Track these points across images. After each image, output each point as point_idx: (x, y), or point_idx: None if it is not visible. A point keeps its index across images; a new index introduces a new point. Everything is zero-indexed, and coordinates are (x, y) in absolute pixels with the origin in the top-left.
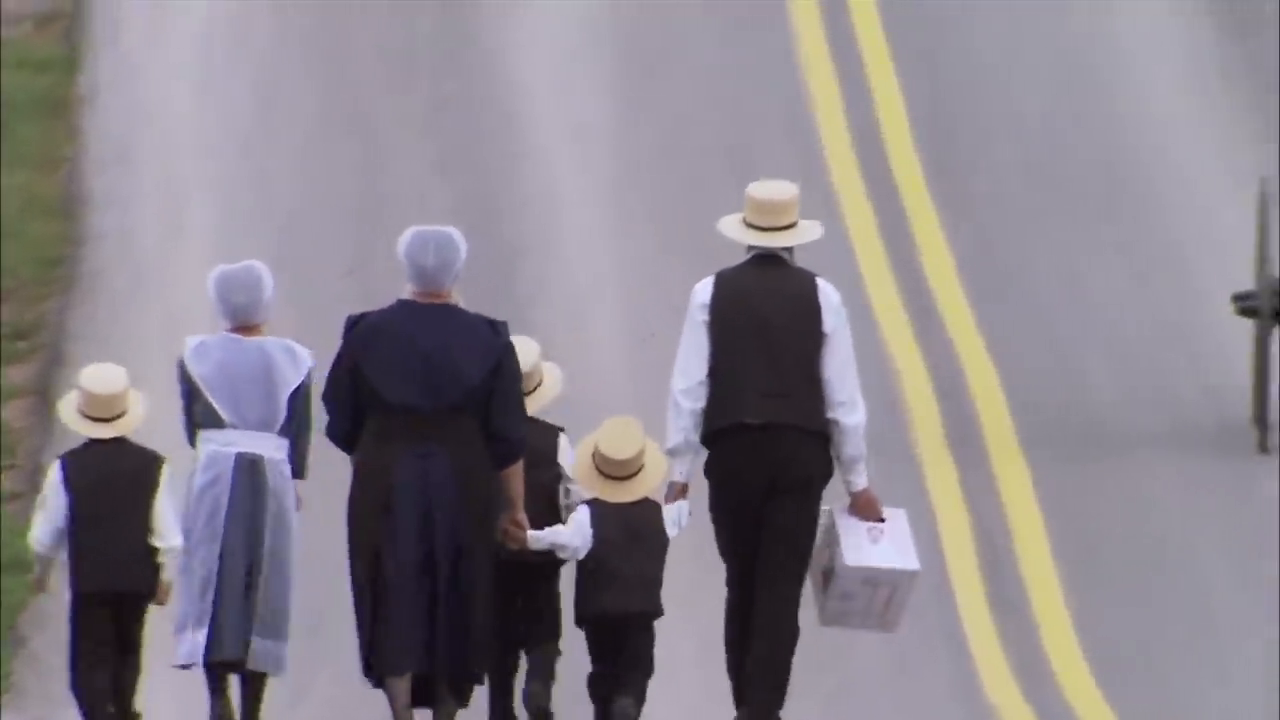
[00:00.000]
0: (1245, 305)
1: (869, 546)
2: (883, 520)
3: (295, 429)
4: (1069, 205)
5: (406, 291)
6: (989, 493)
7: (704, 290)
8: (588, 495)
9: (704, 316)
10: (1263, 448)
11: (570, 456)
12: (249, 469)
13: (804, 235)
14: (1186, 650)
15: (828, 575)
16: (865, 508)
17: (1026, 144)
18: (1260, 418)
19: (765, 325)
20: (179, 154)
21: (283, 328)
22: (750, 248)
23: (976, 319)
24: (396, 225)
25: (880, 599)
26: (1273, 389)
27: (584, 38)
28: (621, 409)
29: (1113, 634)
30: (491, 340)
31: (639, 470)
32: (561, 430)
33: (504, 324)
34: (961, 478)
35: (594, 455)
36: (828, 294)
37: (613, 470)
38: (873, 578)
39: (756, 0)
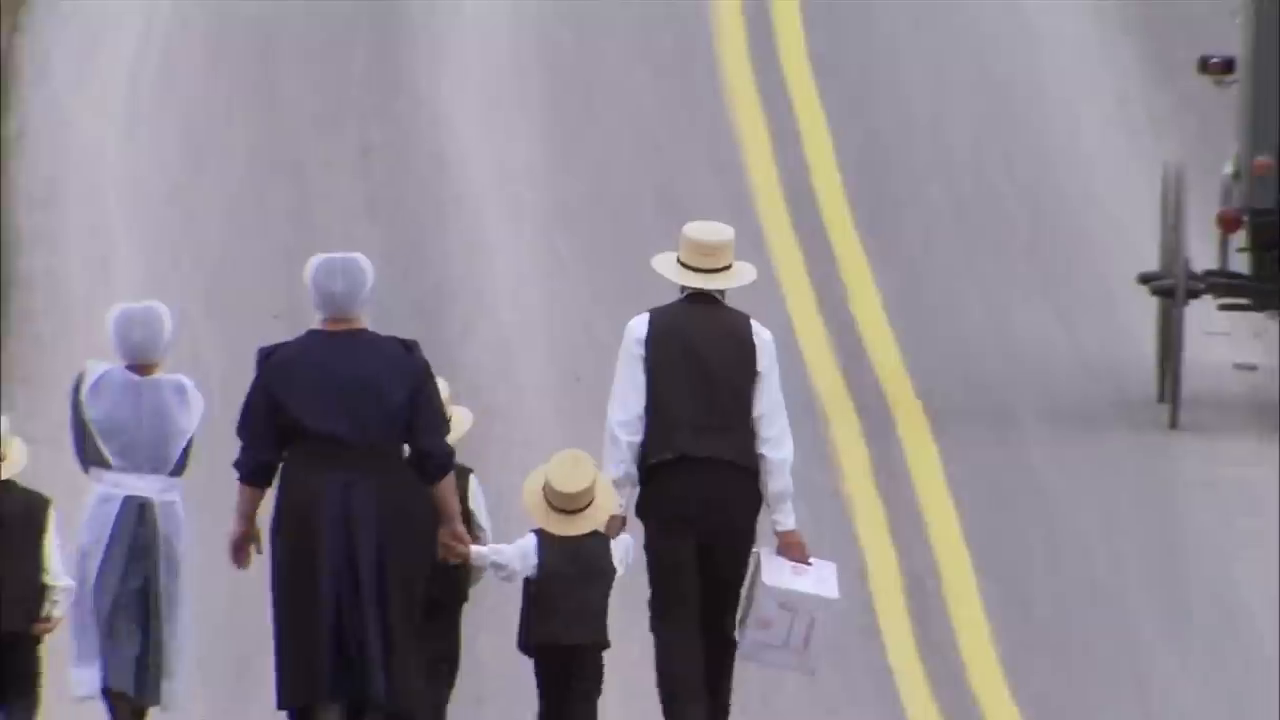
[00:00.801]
0: (1159, 286)
1: (791, 575)
2: (809, 563)
3: (181, 469)
4: (997, 245)
5: (316, 321)
6: (918, 533)
7: (640, 326)
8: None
9: (640, 351)
10: (1174, 424)
11: (481, 499)
12: (138, 511)
13: (739, 278)
14: (1113, 688)
15: (749, 603)
16: (792, 548)
17: (955, 184)
18: (1173, 395)
19: (702, 363)
20: (107, 196)
21: (213, 371)
22: (684, 287)
23: (905, 360)
24: None
25: (799, 630)
26: (1180, 367)
27: (513, 82)
28: (549, 451)
29: (1044, 684)
30: (407, 361)
31: (589, 504)
32: (471, 471)
33: (415, 343)
34: (890, 518)
35: (544, 488)
36: (761, 334)
37: (562, 503)
38: (791, 602)
39: (685, 42)
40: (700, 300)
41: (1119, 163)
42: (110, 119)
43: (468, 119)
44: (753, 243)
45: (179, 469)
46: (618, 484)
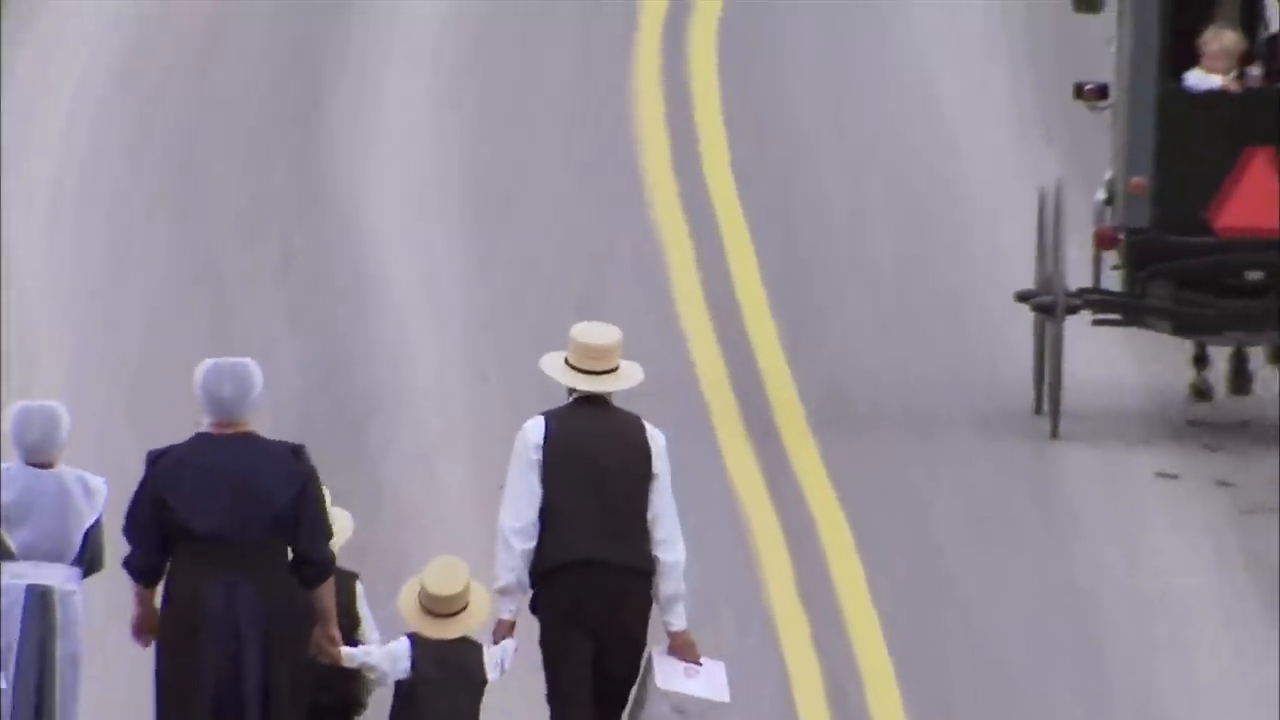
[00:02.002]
0: (1039, 303)
1: (682, 678)
2: (700, 664)
3: (88, 561)
4: (920, 351)
5: (204, 424)
6: (841, 643)
7: (535, 431)
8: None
9: (536, 456)
10: (1055, 434)
11: (366, 604)
12: (40, 601)
13: (627, 380)
14: None
15: (639, 704)
16: (684, 649)
17: (877, 291)
18: (1053, 407)
19: (596, 466)
20: (27, 303)
21: (133, 478)
22: (572, 390)
23: (828, 469)
24: None
25: None
26: (1060, 380)
27: (434, 189)
28: (473, 561)
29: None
30: (294, 466)
31: (462, 608)
32: (356, 576)
33: (303, 448)
34: (814, 631)
35: (420, 592)
36: (654, 437)
37: (437, 607)
38: (683, 705)
39: (607, 147)
40: (592, 402)
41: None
42: (31, 224)
43: (389, 226)
44: (675, 348)
45: (80, 559)
46: (509, 590)
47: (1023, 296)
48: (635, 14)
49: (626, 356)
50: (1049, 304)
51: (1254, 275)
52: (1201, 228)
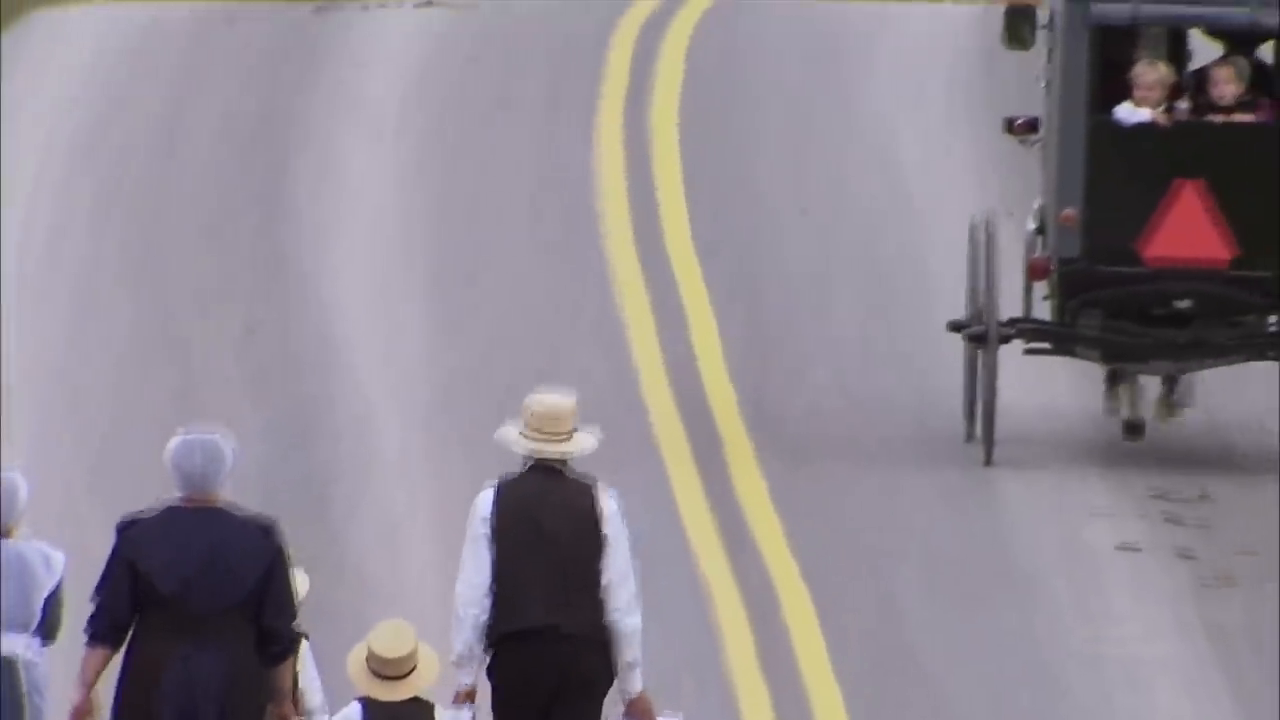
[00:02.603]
0: (972, 332)
1: None
2: None
3: (46, 631)
4: (884, 427)
5: (174, 497)
6: (802, 711)
7: (485, 502)
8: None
9: (484, 529)
10: (988, 461)
11: (312, 666)
12: (6, 669)
13: (581, 445)
14: None
15: None
16: (642, 714)
17: (842, 366)
18: (986, 434)
19: (548, 534)
20: None
21: (94, 547)
22: (527, 457)
23: (791, 543)
24: None
25: None
26: (994, 408)
27: (399, 260)
28: (435, 630)
29: None
30: (263, 542)
31: (412, 669)
32: (305, 636)
33: (274, 524)
34: (773, 698)
35: (367, 656)
36: (607, 501)
37: (385, 669)
38: None
39: (569, 222)
40: (545, 469)
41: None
42: None
43: (353, 297)
44: (638, 423)
45: (40, 627)
46: (464, 660)
47: (955, 326)
48: (597, 87)
49: (588, 427)
50: (982, 334)
51: (1182, 304)
52: (1131, 258)
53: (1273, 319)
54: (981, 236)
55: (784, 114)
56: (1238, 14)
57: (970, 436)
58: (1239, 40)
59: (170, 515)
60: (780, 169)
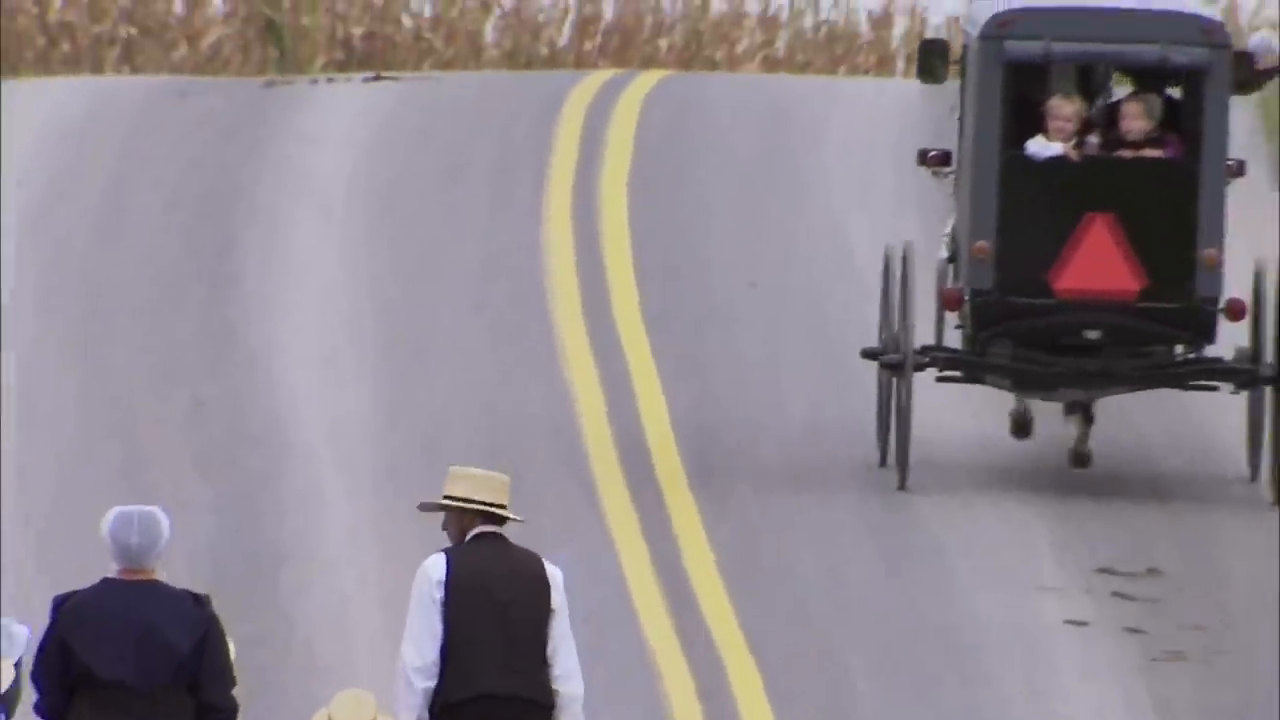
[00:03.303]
0: (888, 360)
1: None
2: None
3: (7, 706)
4: (829, 506)
5: (112, 570)
6: None
7: (436, 568)
8: None
9: (438, 594)
10: (903, 485)
11: None
12: None
13: (513, 515)
14: None
15: None
16: None
17: (788, 444)
18: (900, 459)
19: (499, 601)
20: None
21: (42, 624)
22: (467, 527)
23: (739, 618)
24: None
25: None
26: (909, 434)
27: (345, 335)
28: (384, 705)
29: None
30: (197, 614)
31: None
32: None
33: (207, 597)
34: None
35: None
36: (553, 572)
37: None
38: None
39: (518, 299)
40: (490, 538)
41: (945, 415)
42: None
43: (301, 372)
44: (587, 501)
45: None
46: None
47: (870, 354)
48: (546, 159)
49: (539, 508)
50: (897, 361)
51: (1092, 335)
52: (1043, 290)
53: (1180, 349)
54: (896, 266)
55: (734, 186)
56: (1148, 51)
57: (884, 462)
58: (1150, 77)
59: (106, 589)
60: (730, 241)
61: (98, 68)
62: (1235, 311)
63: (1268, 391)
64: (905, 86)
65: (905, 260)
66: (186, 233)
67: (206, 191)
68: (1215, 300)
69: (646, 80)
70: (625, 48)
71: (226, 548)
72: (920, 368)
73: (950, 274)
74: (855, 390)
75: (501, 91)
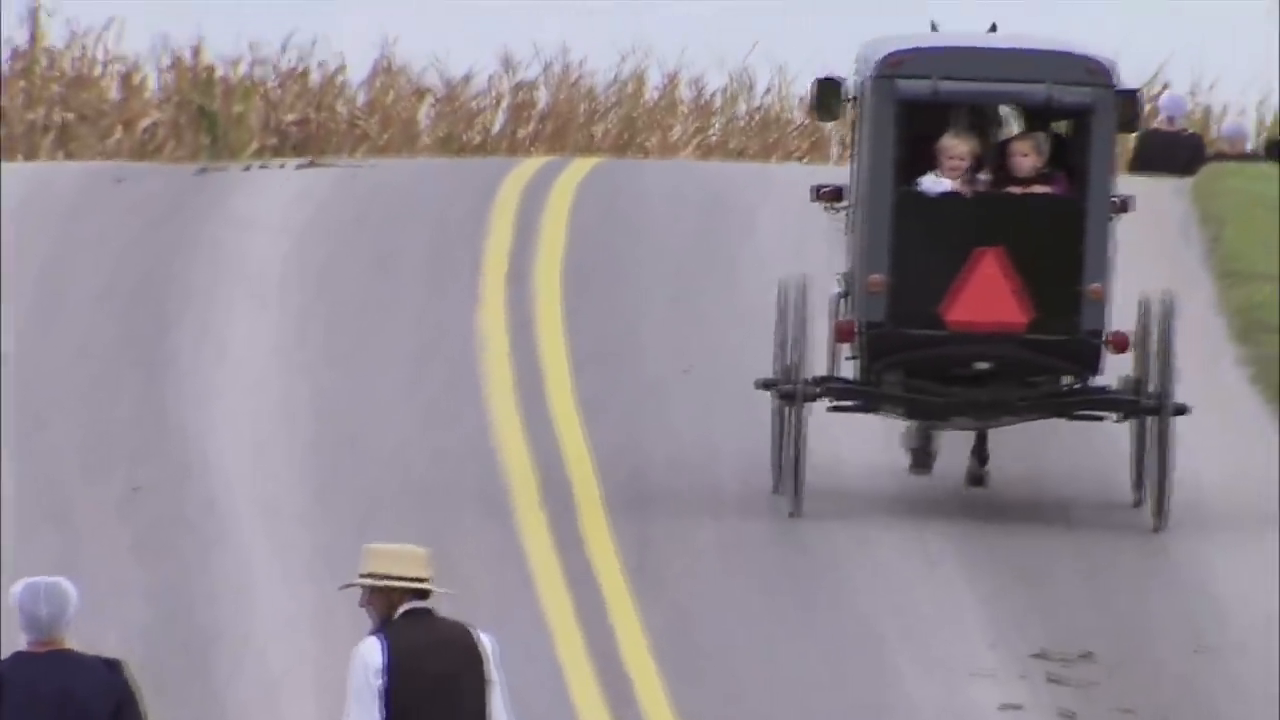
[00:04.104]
0: (782, 390)
1: None
2: None
3: None
4: (766, 584)
5: (22, 642)
6: None
7: (374, 654)
8: None
9: (379, 681)
10: (797, 512)
11: None
12: None
13: (441, 586)
14: None
15: None
16: None
17: (725, 524)
18: (794, 487)
19: (437, 678)
20: None
21: None
22: (395, 602)
23: (673, 701)
24: (91, 611)
25: None
26: (803, 462)
27: (279, 421)
28: None
29: None
30: (112, 680)
31: None
32: None
33: (120, 661)
34: None
35: None
36: (487, 643)
37: None
38: None
39: (452, 383)
40: (419, 615)
41: (884, 508)
42: None
43: (236, 458)
44: (523, 587)
45: None
46: None
47: (764, 384)
48: (480, 250)
49: (473, 591)
50: (790, 391)
51: (982, 366)
52: (934, 322)
53: (1067, 380)
54: (790, 298)
55: (668, 272)
56: (1036, 90)
57: (777, 489)
58: (1038, 115)
59: (19, 661)
60: (664, 327)
61: (32, 153)
62: (1119, 344)
63: (1152, 421)
64: (839, 172)
65: (800, 292)
66: (122, 317)
67: (141, 276)
68: (1100, 333)
69: (581, 166)
70: (559, 134)
71: (161, 632)
72: (814, 397)
73: (844, 307)
74: (829, 567)
75: (436, 178)
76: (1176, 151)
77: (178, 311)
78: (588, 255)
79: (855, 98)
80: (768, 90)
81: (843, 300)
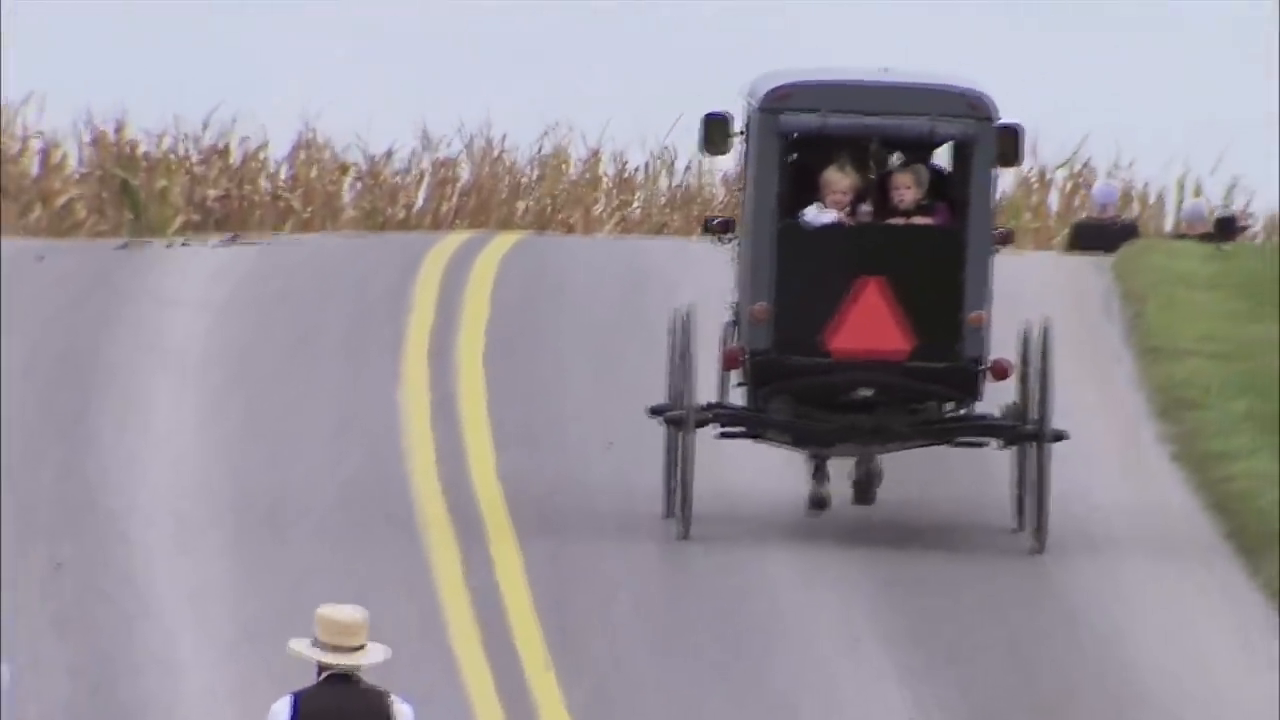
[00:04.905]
0: (671, 416)
1: None
2: None
3: None
4: (686, 663)
5: None
6: None
7: (282, 712)
8: None
9: None
10: (685, 535)
11: None
12: None
13: (373, 656)
14: None
15: None
16: None
17: (646, 595)
18: (683, 510)
19: None
20: None
21: None
22: (322, 668)
23: None
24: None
25: None
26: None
27: (202, 497)
28: None
29: None
30: None
31: None
32: None
33: None
34: None
35: None
36: (401, 710)
37: None
38: None
39: (373, 459)
40: (339, 680)
41: (798, 584)
42: None
43: (157, 534)
44: (445, 666)
45: None
46: None
47: (655, 411)
48: (403, 325)
49: (397, 676)
50: (679, 417)
51: (865, 393)
52: (817, 350)
53: (949, 406)
54: (679, 327)
55: (590, 347)
56: (917, 124)
57: (669, 513)
58: (919, 148)
59: None
60: (586, 402)
61: None
62: (999, 371)
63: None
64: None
65: (685, 321)
66: (43, 393)
67: (63, 353)
68: (980, 360)
69: (504, 241)
70: (482, 209)
71: (83, 708)
72: (702, 423)
73: (733, 335)
74: (711, 546)
75: (358, 253)
76: (1110, 240)
77: (100, 387)
78: (510, 330)
79: (743, 132)
80: (688, 166)
81: (734, 328)
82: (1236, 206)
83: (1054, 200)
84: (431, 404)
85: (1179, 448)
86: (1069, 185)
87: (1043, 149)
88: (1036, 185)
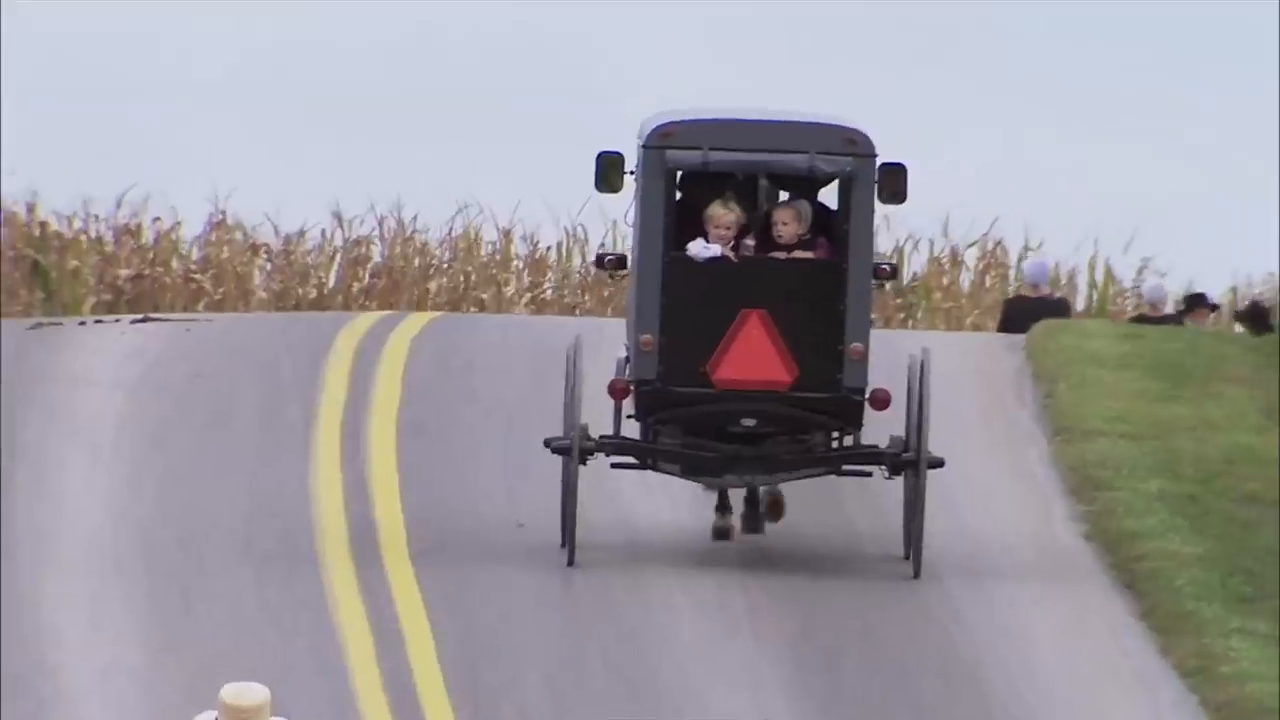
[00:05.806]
0: (558, 446)
1: None
2: None
3: None
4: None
5: None
6: None
7: None
8: None
9: None
10: (571, 563)
11: None
12: None
13: None
14: None
15: None
16: None
17: (555, 673)
18: (569, 538)
19: None
20: None
21: None
22: None
23: None
24: None
25: None
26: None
27: (112, 581)
28: None
29: None
30: None
31: None
32: None
33: None
34: None
35: None
36: None
37: None
38: None
39: (286, 539)
40: None
41: (732, 685)
42: None
43: (68, 616)
44: None
45: None
46: None
47: (547, 442)
48: (315, 404)
49: None
50: (566, 447)
51: (748, 422)
52: (702, 380)
53: (835, 436)
54: (571, 360)
55: (502, 426)
56: (799, 161)
57: (564, 543)
58: (801, 184)
59: None
60: (498, 481)
61: None
62: (880, 401)
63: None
64: None
65: (576, 353)
66: None
67: None
68: (861, 390)
69: (416, 321)
70: (394, 289)
71: None
72: (590, 452)
73: (627, 367)
74: (622, 626)
75: (270, 332)
76: (1042, 316)
77: (11, 468)
78: (422, 409)
79: (634, 171)
80: (601, 245)
81: (627, 363)
82: (1200, 287)
83: (965, 280)
84: (343, 483)
85: (1091, 527)
86: (980, 265)
87: (954, 229)
88: (949, 265)
